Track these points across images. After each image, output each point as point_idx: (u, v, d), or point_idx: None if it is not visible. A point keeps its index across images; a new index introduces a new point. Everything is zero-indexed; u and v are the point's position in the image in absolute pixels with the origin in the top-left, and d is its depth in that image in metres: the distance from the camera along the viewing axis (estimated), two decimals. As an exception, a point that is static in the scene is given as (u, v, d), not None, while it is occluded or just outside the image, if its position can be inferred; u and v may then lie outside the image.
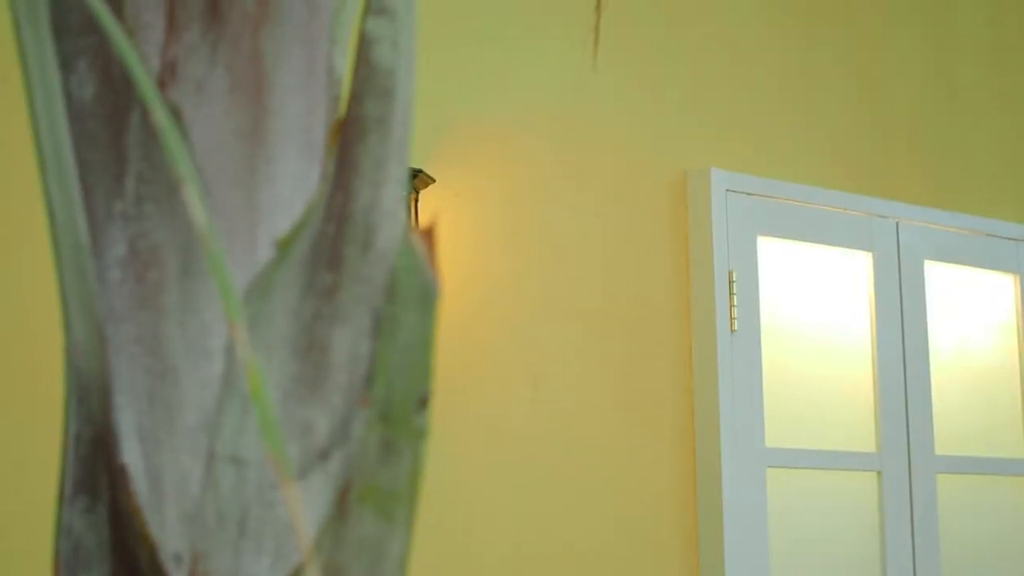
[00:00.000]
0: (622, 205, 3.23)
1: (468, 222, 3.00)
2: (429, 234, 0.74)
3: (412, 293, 0.76)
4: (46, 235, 0.80)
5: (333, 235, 0.77)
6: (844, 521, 3.44)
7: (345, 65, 0.83)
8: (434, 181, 2.85)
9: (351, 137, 0.78)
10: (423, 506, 2.54)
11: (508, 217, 3.05)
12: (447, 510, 2.91)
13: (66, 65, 0.76)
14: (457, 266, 2.97)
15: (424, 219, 2.77)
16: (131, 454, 0.75)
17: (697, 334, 3.26)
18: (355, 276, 0.76)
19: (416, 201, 2.80)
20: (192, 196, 0.60)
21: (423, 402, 0.75)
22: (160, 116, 0.61)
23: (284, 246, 0.76)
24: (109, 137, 0.76)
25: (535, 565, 3.00)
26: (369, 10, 0.80)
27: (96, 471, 0.75)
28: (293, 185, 0.77)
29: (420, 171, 2.77)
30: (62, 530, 0.75)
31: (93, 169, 0.76)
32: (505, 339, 3.03)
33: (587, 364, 3.13)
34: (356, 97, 0.79)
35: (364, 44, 0.79)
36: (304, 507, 0.74)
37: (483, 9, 3.10)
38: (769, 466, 3.29)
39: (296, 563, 0.74)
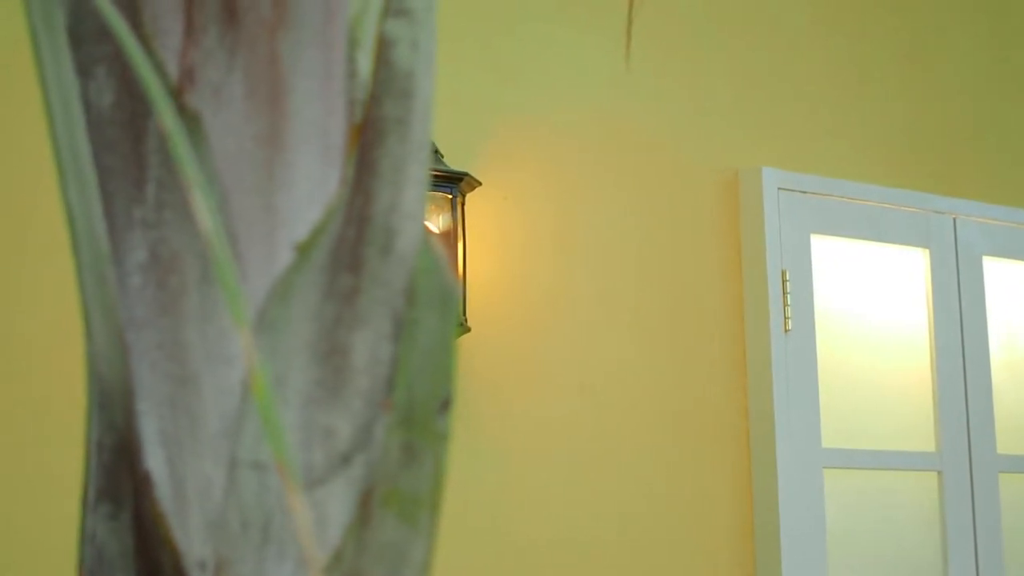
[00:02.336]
0: (673, 205, 3.21)
1: (516, 224, 2.99)
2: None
3: (432, 296, 0.75)
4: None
5: (353, 238, 0.76)
6: (904, 523, 3.40)
7: (368, 67, 0.83)
8: (480, 184, 2.85)
9: (370, 139, 0.77)
10: (474, 506, 2.55)
11: (557, 219, 3.04)
12: (498, 511, 2.90)
13: (84, 72, 0.76)
14: (506, 268, 2.96)
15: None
16: (154, 460, 0.75)
17: (751, 335, 3.24)
18: (375, 279, 0.76)
19: (462, 204, 2.80)
20: (199, 201, 0.59)
21: (445, 405, 0.74)
22: (168, 121, 0.61)
23: (304, 250, 0.76)
24: (129, 144, 0.76)
25: (590, 563, 2.99)
26: (388, 11, 0.79)
27: (119, 478, 0.75)
28: (312, 189, 0.77)
29: (466, 174, 2.76)
30: (86, 537, 0.75)
31: (113, 176, 0.76)
32: (555, 341, 3.02)
33: (639, 366, 3.11)
34: (375, 99, 0.78)
35: (383, 46, 0.79)
36: (327, 512, 0.74)
37: (529, 10, 3.09)
38: (826, 467, 3.26)
39: (319, 568, 0.74)
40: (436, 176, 2.71)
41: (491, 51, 3.03)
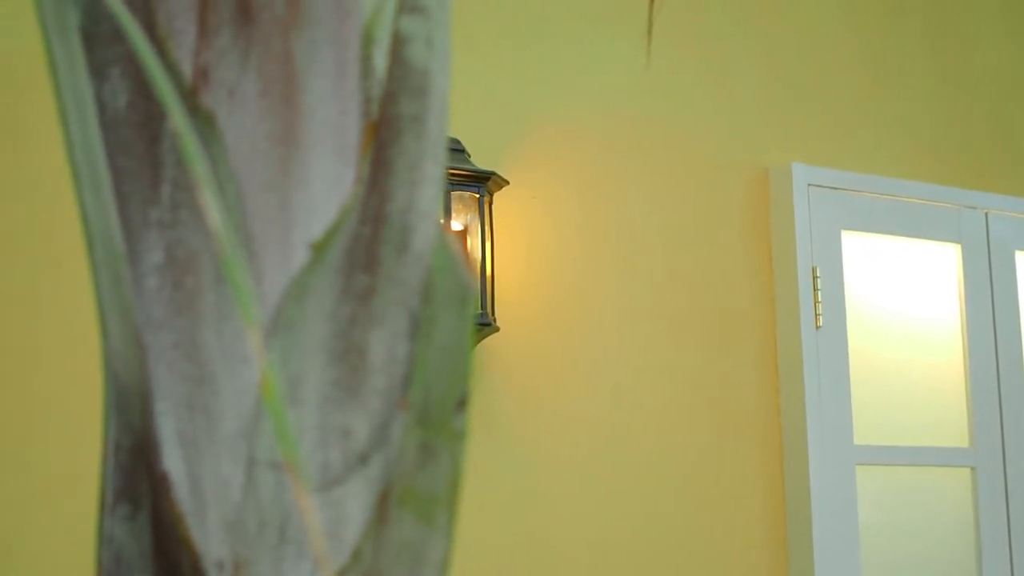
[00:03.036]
0: (702, 203, 3.20)
1: (544, 223, 2.99)
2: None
3: (448, 294, 0.75)
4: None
5: (369, 237, 0.76)
6: (938, 519, 3.38)
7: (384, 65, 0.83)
8: (508, 183, 2.84)
9: (386, 138, 0.77)
10: (505, 507, 2.54)
11: (585, 218, 3.04)
12: (529, 511, 2.90)
13: (98, 73, 0.76)
14: (535, 267, 2.96)
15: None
16: (172, 461, 0.75)
17: (782, 332, 3.23)
18: (391, 278, 0.75)
19: (490, 204, 2.79)
20: (209, 200, 0.59)
21: (461, 404, 0.74)
22: (178, 120, 0.60)
23: (319, 249, 0.75)
24: (144, 145, 0.76)
25: (621, 563, 2.98)
26: (403, 8, 0.79)
27: (137, 479, 0.75)
28: (327, 188, 0.76)
29: (493, 173, 2.76)
30: (104, 539, 0.75)
31: (128, 177, 0.76)
32: (584, 340, 3.01)
33: (671, 364, 3.10)
34: (390, 96, 0.78)
35: (397, 43, 0.78)
36: (344, 512, 0.74)
37: (556, 10, 3.09)
38: (859, 464, 3.24)
39: (338, 568, 0.74)
40: (463, 175, 2.71)
41: (518, 51, 3.02)
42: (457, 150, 2.75)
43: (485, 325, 2.74)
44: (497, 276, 2.85)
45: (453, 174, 2.70)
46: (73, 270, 2.47)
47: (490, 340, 2.87)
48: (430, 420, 0.74)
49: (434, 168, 0.78)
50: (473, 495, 2.83)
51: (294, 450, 0.56)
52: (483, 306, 2.73)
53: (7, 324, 2.52)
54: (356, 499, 0.74)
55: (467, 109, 2.90)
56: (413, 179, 0.77)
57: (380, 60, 0.82)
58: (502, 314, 2.88)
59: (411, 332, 0.75)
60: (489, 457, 2.86)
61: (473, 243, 2.73)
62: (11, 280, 2.52)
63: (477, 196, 2.74)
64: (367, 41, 0.81)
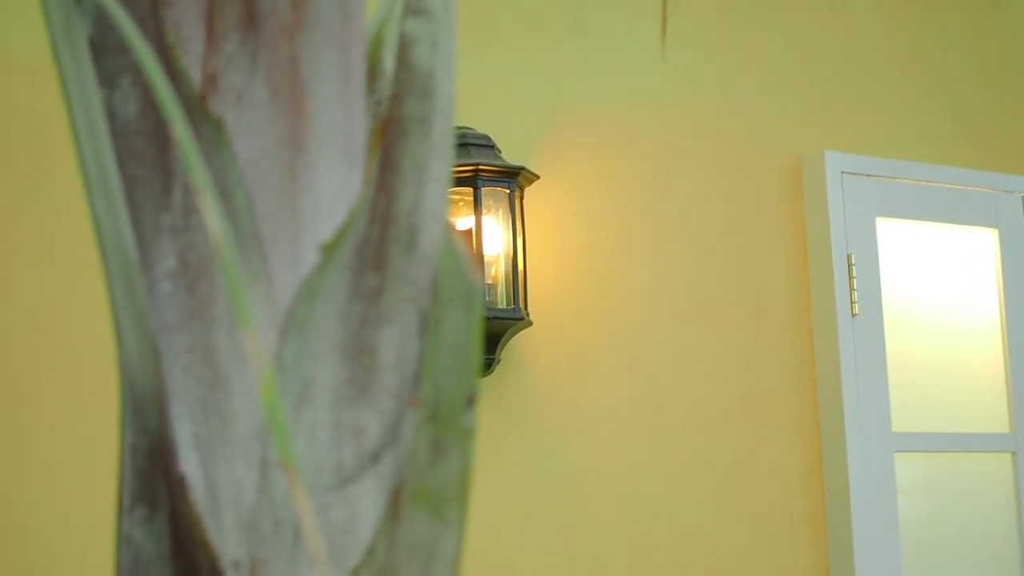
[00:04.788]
0: (736, 193, 3.19)
1: (576, 217, 2.99)
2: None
3: (456, 293, 0.76)
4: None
5: (377, 238, 0.77)
6: (979, 505, 3.36)
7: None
8: (538, 177, 2.85)
9: (392, 139, 0.78)
10: (543, 499, 2.54)
11: (617, 210, 3.04)
12: (566, 506, 2.90)
13: (108, 83, 0.77)
14: (567, 261, 2.96)
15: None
16: (189, 463, 0.76)
17: (818, 320, 3.22)
18: (400, 278, 0.76)
19: (520, 199, 2.80)
20: (209, 206, 0.60)
21: (470, 401, 0.75)
22: (179, 128, 0.61)
23: (329, 251, 0.76)
24: (155, 152, 0.77)
25: (658, 555, 2.98)
26: (408, 11, 0.80)
27: (154, 481, 0.76)
28: (335, 190, 0.77)
29: (524, 168, 2.76)
30: (122, 541, 0.76)
31: (140, 184, 0.77)
32: (618, 332, 3.01)
33: (706, 355, 3.10)
34: (396, 98, 0.79)
35: (403, 45, 0.79)
36: (358, 510, 0.75)
37: (584, 2, 3.09)
38: (897, 451, 3.23)
39: (352, 566, 0.75)
40: (493, 171, 2.72)
41: (548, 45, 3.02)
42: (487, 145, 2.76)
43: (518, 319, 2.75)
44: (529, 270, 2.86)
45: (483, 169, 2.70)
46: (86, 273, 2.49)
47: (523, 334, 2.87)
48: (440, 418, 0.75)
49: (440, 168, 0.79)
50: (507, 489, 2.84)
51: (291, 451, 0.57)
52: (515, 300, 2.74)
53: (20, 328, 2.54)
54: (369, 497, 0.75)
55: (497, 104, 2.91)
56: (420, 179, 0.78)
57: (390, 63, 0.83)
58: (535, 308, 2.89)
59: (420, 331, 0.76)
60: (523, 451, 2.87)
61: (505, 238, 2.74)
62: (23, 284, 2.54)
63: (508, 191, 2.74)
64: (377, 44, 0.82)
